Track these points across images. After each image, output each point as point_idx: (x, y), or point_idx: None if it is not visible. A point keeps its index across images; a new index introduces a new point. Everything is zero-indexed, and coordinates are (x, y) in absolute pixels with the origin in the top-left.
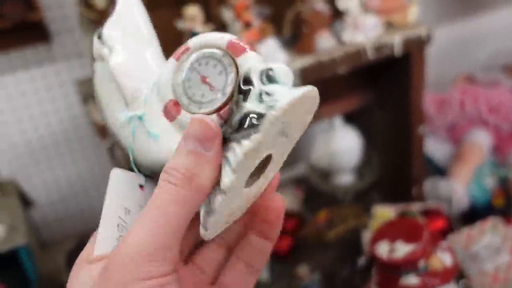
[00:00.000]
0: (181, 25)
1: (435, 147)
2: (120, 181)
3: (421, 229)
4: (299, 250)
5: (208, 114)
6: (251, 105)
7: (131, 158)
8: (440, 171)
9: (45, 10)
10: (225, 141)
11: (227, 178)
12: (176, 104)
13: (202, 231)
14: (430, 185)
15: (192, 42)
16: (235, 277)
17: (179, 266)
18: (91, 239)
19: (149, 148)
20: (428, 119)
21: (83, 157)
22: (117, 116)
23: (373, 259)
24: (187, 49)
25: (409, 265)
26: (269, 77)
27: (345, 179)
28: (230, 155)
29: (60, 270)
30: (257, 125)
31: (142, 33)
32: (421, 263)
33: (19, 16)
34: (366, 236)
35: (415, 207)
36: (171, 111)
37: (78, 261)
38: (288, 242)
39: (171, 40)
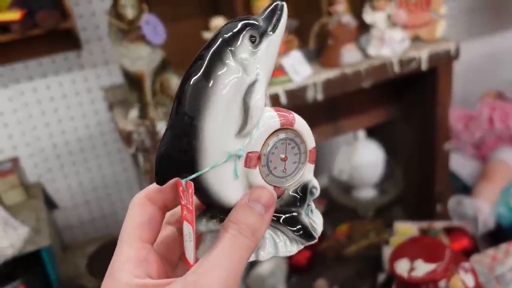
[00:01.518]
0: (208, 35)
1: (461, 164)
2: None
3: (443, 248)
4: (317, 264)
5: (269, 184)
6: (304, 214)
7: (203, 171)
8: (466, 189)
9: (76, 18)
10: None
11: (268, 253)
12: (258, 158)
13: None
14: (454, 203)
15: (296, 123)
16: None
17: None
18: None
19: (226, 180)
20: (454, 135)
21: (107, 162)
22: (220, 138)
23: (393, 276)
24: (292, 123)
25: (429, 284)
26: (312, 193)
27: (367, 193)
28: (279, 242)
29: (81, 273)
30: (301, 241)
31: (272, 68)
32: (442, 284)
33: (53, 24)
34: (387, 252)
35: (438, 225)
36: (251, 161)
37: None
38: (307, 255)
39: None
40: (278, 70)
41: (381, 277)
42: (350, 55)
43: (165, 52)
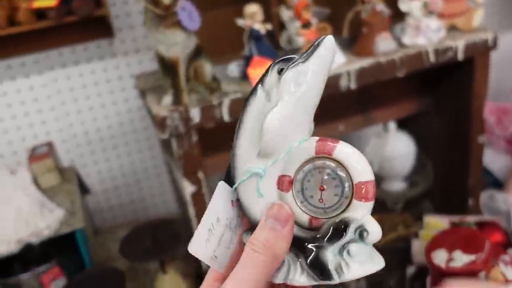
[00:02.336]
0: (241, 22)
1: (493, 159)
2: (221, 192)
3: (482, 239)
4: None
5: (305, 212)
6: (331, 252)
7: (236, 183)
8: (497, 184)
9: (110, 6)
10: (303, 243)
11: (280, 277)
12: (291, 183)
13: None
14: (486, 197)
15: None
16: None
17: None
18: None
19: (249, 198)
20: (486, 129)
21: (136, 149)
22: (245, 158)
23: (424, 269)
24: (330, 152)
25: (469, 275)
26: (361, 235)
27: (397, 186)
28: (292, 269)
29: (112, 256)
30: (313, 277)
31: (312, 97)
32: (481, 275)
33: (87, 11)
34: (416, 245)
35: (470, 219)
36: (283, 184)
37: None
38: None
39: (231, 37)
40: None
41: (411, 270)
42: (384, 44)
43: (199, 39)
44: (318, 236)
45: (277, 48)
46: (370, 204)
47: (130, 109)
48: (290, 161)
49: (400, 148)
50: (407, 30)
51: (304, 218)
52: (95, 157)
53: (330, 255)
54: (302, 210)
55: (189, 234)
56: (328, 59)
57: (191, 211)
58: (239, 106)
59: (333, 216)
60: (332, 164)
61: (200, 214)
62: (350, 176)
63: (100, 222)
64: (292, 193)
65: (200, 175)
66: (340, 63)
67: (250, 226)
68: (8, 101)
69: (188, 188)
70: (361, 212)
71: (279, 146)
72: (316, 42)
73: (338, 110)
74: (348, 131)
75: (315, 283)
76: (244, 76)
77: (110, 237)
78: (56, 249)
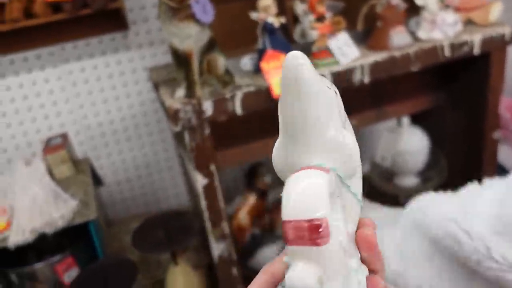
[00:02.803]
0: (255, 15)
1: (508, 155)
2: None
3: None
4: None
5: None
6: None
7: None
8: None
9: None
10: None
11: None
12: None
13: None
14: None
15: None
16: None
17: None
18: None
19: None
20: (502, 125)
21: (149, 142)
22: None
23: None
24: None
25: None
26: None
27: (410, 181)
28: None
29: (125, 247)
30: None
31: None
32: None
33: (102, 4)
34: None
35: None
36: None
37: None
38: None
39: (244, 30)
40: (324, 51)
41: None
42: (399, 38)
43: (212, 32)
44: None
45: (290, 42)
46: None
47: (143, 102)
48: None
49: (413, 143)
50: (423, 24)
51: None
52: (109, 149)
53: None
54: None
55: (201, 226)
56: None
57: (203, 203)
58: (252, 100)
59: None
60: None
61: (211, 206)
62: None
63: (113, 214)
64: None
65: (212, 167)
66: (354, 57)
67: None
68: (24, 93)
69: (200, 181)
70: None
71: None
72: None
73: (350, 104)
74: (361, 126)
75: None
76: (257, 70)
77: (123, 229)
78: (69, 239)
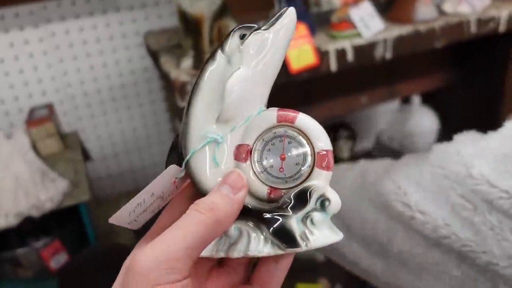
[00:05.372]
0: None
1: None
2: (168, 175)
3: None
4: None
5: (264, 182)
6: (295, 220)
7: (187, 157)
8: None
9: None
10: (263, 214)
11: (239, 250)
12: (249, 152)
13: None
14: None
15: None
16: (265, 274)
17: (214, 270)
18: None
19: (204, 166)
20: None
21: (139, 114)
22: (202, 125)
23: None
24: (293, 120)
25: None
26: (322, 204)
27: None
28: (253, 240)
29: (116, 230)
30: (278, 244)
31: (272, 66)
32: None
33: None
34: None
35: None
36: (241, 154)
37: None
38: None
39: (261, 2)
40: (345, 22)
41: None
42: (424, 11)
43: None
44: (278, 206)
45: (307, 10)
46: (330, 174)
47: (134, 70)
48: (249, 130)
49: (423, 124)
50: None
51: (263, 189)
52: (94, 121)
53: (294, 223)
54: (261, 181)
55: None
56: (290, 30)
57: None
58: None
59: (293, 187)
60: (294, 133)
61: None
62: (312, 145)
63: (98, 191)
64: (250, 163)
65: None
66: (378, 30)
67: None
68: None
69: None
70: (322, 181)
71: (239, 112)
72: (279, 12)
73: (361, 81)
74: (372, 103)
75: (280, 252)
76: None
77: (112, 208)
78: (57, 221)
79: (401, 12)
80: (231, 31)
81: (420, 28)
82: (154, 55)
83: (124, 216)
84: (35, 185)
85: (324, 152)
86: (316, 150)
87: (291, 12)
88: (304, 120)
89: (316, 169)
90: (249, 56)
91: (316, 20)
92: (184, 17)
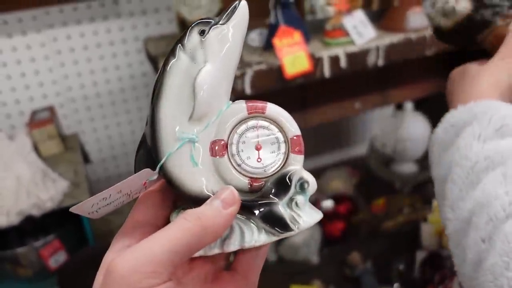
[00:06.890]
0: None
1: None
2: (139, 177)
3: None
4: (351, 236)
5: (244, 174)
6: (281, 205)
7: (162, 161)
8: None
9: None
10: (250, 206)
11: (234, 244)
12: (225, 147)
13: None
14: None
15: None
16: (246, 263)
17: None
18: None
19: (184, 168)
20: None
21: (138, 118)
22: (174, 125)
23: (435, 254)
24: (263, 110)
25: None
26: (302, 187)
27: (407, 168)
28: (246, 232)
29: (114, 230)
30: (271, 232)
31: (234, 60)
32: None
33: None
34: (425, 229)
35: None
36: (217, 150)
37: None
38: (341, 226)
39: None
40: (339, 30)
41: (421, 255)
42: (415, 19)
43: (222, 4)
44: (261, 195)
45: (302, 17)
46: (303, 157)
47: (133, 74)
48: (221, 125)
49: (415, 130)
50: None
51: (244, 182)
52: (94, 124)
53: (282, 209)
54: (241, 173)
55: None
56: (244, 22)
57: None
58: (262, 79)
59: (272, 174)
60: (266, 122)
61: None
62: (284, 132)
63: (97, 193)
64: (227, 157)
65: None
66: (370, 38)
67: (181, 200)
68: (2, 60)
69: None
70: (298, 165)
71: (211, 108)
72: (233, 6)
73: (355, 87)
74: (366, 109)
75: (275, 238)
76: (267, 46)
77: None
78: (56, 221)
79: (393, 20)
80: (189, 27)
81: (411, 36)
82: (153, 61)
83: (87, 208)
84: (36, 185)
85: (296, 137)
86: (289, 137)
87: (244, 5)
88: (274, 109)
89: (291, 155)
90: (212, 52)
91: (311, 28)
92: (183, 24)
